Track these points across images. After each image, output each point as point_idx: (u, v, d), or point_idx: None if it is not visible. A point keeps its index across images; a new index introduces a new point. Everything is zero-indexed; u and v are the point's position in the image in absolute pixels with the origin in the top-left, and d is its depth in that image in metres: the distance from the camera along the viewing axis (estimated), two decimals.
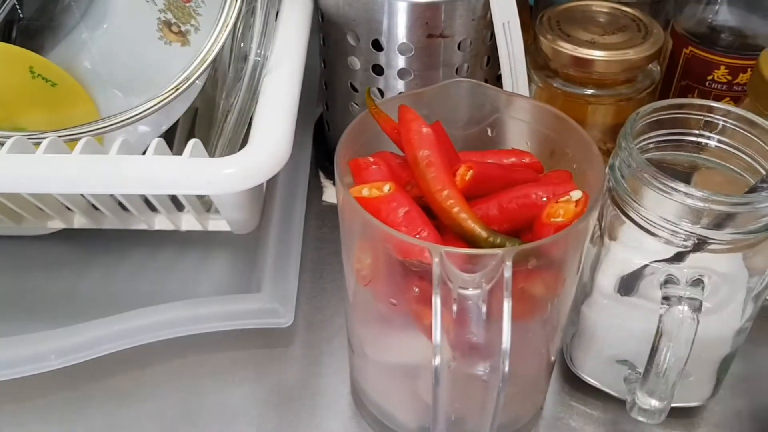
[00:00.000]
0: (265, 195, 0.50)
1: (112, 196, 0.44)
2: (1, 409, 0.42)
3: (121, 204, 0.45)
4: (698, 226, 0.33)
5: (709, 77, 0.51)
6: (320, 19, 0.50)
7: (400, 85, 0.49)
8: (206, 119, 0.50)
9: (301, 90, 0.43)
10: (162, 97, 0.42)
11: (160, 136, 0.47)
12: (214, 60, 0.43)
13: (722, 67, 0.50)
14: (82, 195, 0.43)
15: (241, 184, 0.38)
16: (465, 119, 0.39)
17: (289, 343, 0.45)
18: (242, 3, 0.44)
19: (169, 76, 0.43)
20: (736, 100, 0.51)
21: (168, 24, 0.46)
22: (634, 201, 0.34)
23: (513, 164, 0.37)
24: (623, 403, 0.38)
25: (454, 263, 0.29)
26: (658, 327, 0.33)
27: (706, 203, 0.32)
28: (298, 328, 0.46)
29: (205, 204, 0.46)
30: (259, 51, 0.44)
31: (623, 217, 0.35)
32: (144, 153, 0.39)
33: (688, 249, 0.34)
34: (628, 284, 0.36)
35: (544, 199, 0.33)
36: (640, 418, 0.36)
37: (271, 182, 0.51)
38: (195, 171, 0.37)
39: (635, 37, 0.47)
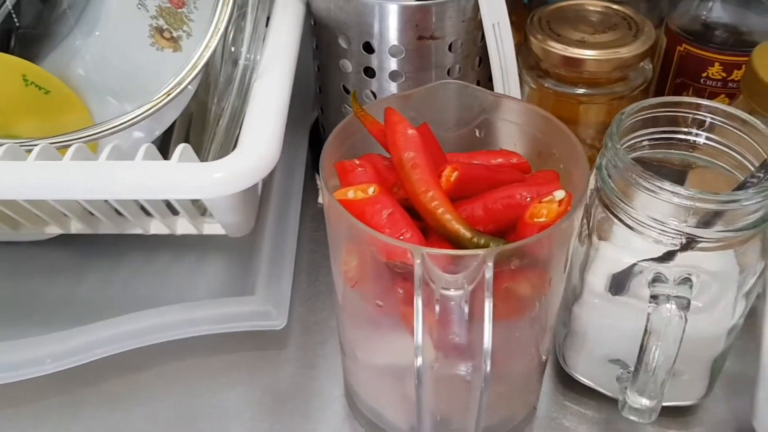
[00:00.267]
0: (260, 198, 0.50)
1: (106, 201, 0.44)
2: None
3: (116, 209, 0.45)
4: (686, 224, 0.33)
5: (704, 74, 0.51)
6: (312, 22, 0.50)
7: (392, 88, 0.49)
8: (200, 123, 0.51)
9: (292, 93, 0.43)
10: (154, 103, 0.42)
11: (155, 141, 0.48)
12: (206, 65, 0.43)
13: (716, 64, 0.50)
14: (76, 201, 0.43)
15: (231, 188, 0.38)
16: (453, 121, 0.39)
17: (283, 346, 0.46)
18: (233, 8, 0.44)
19: (162, 82, 0.43)
20: (731, 97, 0.51)
21: (160, 30, 0.46)
22: (622, 201, 0.34)
23: (499, 165, 0.37)
24: (617, 402, 0.38)
25: (436, 264, 0.29)
26: (646, 326, 0.33)
27: (692, 202, 0.32)
28: (293, 331, 0.46)
29: (199, 208, 0.47)
30: (248, 55, 0.44)
31: (611, 217, 0.35)
32: None
33: (676, 248, 0.34)
34: (618, 283, 0.36)
35: (528, 199, 0.33)
36: (632, 417, 0.36)
37: (267, 185, 0.51)
38: (183, 175, 0.38)
39: (626, 36, 0.47)
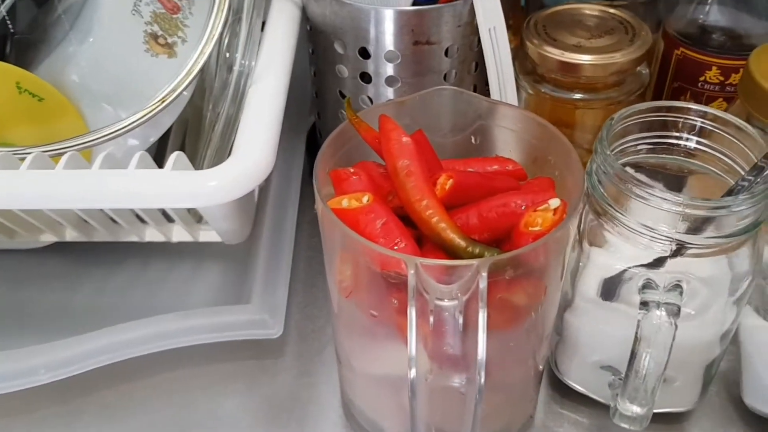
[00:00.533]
0: (257, 204, 0.50)
1: (100, 209, 0.44)
2: None
3: (111, 217, 0.45)
4: (676, 230, 0.33)
5: (701, 78, 0.51)
6: (308, 27, 0.50)
7: (388, 93, 0.49)
8: (195, 130, 0.50)
9: (289, 98, 0.43)
10: (148, 110, 0.42)
11: (150, 148, 0.48)
12: (201, 71, 0.43)
13: (714, 67, 0.50)
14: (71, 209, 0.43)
15: (225, 197, 0.38)
16: (448, 127, 0.39)
17: (279, 354, 0.45)
18: (228, 13, 0.44)
19: (157, 88, 0.43)
20: (729, 101, 0.51)
21: (155, 36, 0.46)
22: (612, 206, 0.34)
23: (494, 172, 0.37)
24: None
25: (430, 274, 0.29)
26: (636, 333, 0.33)
27: (682, 208, 0.32)
28: (289, 339, 0.46)
29: (194, 215, 0.46)
30: (243, 61, 0.44)
31: (601, 223, 0.35)
32: None
33: (667, 254, 0.33)
34: (609, 289, 0.36)
35: (523, 207, 0.32)
36: (623, 425, 0.36)
37: (263, 191, 0.51)
38: (177, 184, 0.37)
39: (622, 40, 0.47)
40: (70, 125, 0.45)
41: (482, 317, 0.28)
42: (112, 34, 0.46)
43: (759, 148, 0.35)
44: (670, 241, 0.33)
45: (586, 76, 0.46)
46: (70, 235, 0.48)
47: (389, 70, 0.48)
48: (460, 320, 0.30)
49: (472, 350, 0.28)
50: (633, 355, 0.33)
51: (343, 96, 0.50)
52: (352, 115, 0.36)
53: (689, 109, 0.37)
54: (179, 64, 0.44)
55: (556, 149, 0.35)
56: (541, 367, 0.38)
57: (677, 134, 0.37)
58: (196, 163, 0.47)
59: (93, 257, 0.51)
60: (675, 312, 0.32)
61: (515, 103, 0.49)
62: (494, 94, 0.48)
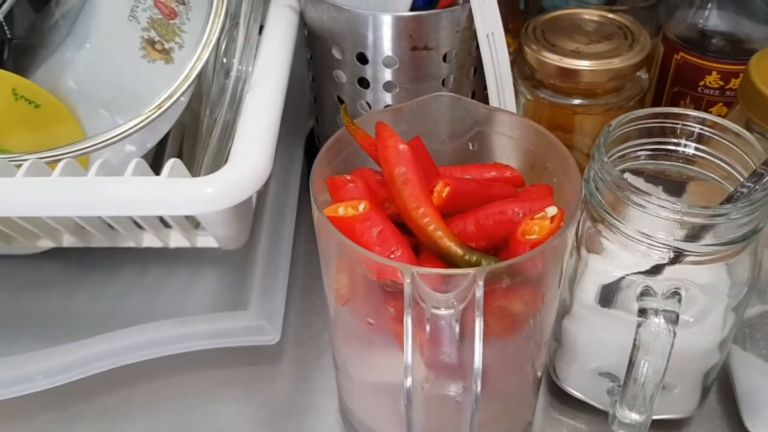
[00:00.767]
0: (255, 209, 0.50)
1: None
2: None
3: (108, 223, 0.45)
4: (674, 238, 0.32)
5: (701, 83, 0.50)
6: (306, 33, 0.50)
7: (387, 98, 0.49)
8: (193, 135, 0.50)
9: (287, 103, 0.43)
10: (145, 116, 0.42)
11: (147, 154, 0.47)
12: (198, 76, 0.43)
13: (714, 72, 0.50)
14: None
15: (222, 204, 0.38)
16: (446, 133, 0.39)
17: (277, 360, 0.45)
18: (226, 18, 0.44)
19: (154, 94, 0.43)
20: (729, 106, 0.50)
21: (151, 42, 0.46)
22: (609, 214, 0.34)
23: (492, 179, 0.37)
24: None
25: (427, 283, 0.29)
26: (634, 340, 0.33)
27: (680, 216, 0.32)
28: (287, 345, 0.46)
29: (192, 221, 0.46)
30: (240, 67, 0.44)
31: (599, 230, 0.35)
32: None
33: (665, 261, 0.33)
34: (607, 296, 0.36)
35: (521, 215, 0.32)
36: None
37: (261, 196, 0.51)
38: (174, 191, 0.37)
39: (621, 45, 0.47)
40: (66, 131, 0.45)
41: (479, 326, 0.28)
42: (109, 40, 0.46)
43: (757, 155, 0.34)
44: (668, 249, 0.33)
45: (585, 82, 0.46)
46: (68, 240, 0.48)
47: (387, 75, 0.48)
48: (457, 329, 0.29)
49: (469, 359, 0.28)
50: (631, 363, 0.33)
51: (341, 101, 0.50)
52: (349, 122, 0.36)
53: (688, 115, 0.36)
54: (176, 70, 0.44)
55: (554, 156, 0.35)
56: (539, 373, 0.38)
57: (676, 140, 0.37)
58: (194, 168, 0.47)
59: (90, 263, 0.51)
60: (674, 319, 0.32)
61: (513, 108, 0.49)
62: (492, 99, 0.48)
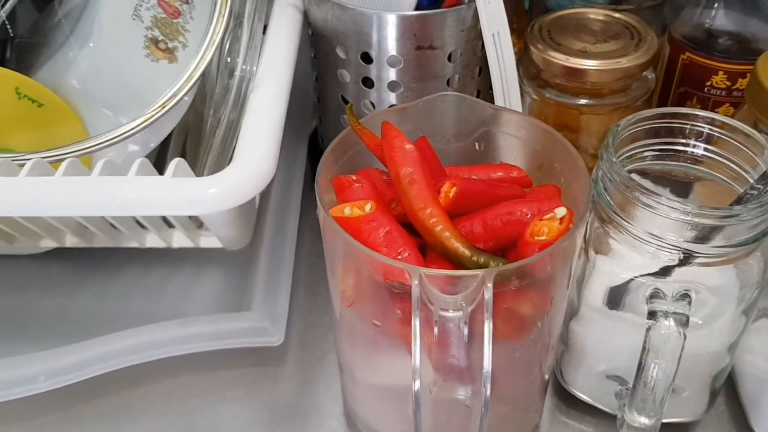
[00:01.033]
0: (258, 209, 0.49)
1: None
2: None
3: (111, 223, 0.45)
4: (683, 239, 0.32)
5: (708, 83, 0.50)
6: (310, 32, 0.50)
7: (391, 98, 0.48)
8: (196, 135, 0.50)
9: (291, 102, 0.43)
10: (149, 115, 0.42)
11: (151, 153, 0.47)
12: (202, 76, 0.42)
13: (720, 72, 0.49)
14: None
15: (225, 204, 0.37)
16: (452, 133, 0.39)
17: (281, 362, 0.45)
18: (230, 18, 0.44)
19: (157, 93, 0.43)
20: (736, 106, 0.50)
21: (155, 41, 0.46)
22: (618, 214, 0.33)
23: (499, 179, 0.36)
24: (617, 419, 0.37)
25: (435, 285, 0.28)
26: (644, 343, 0.33)
27: (690, 217, 0.31)
28: (291, 346, 0.46)
29: (195, 221, 0.46)
30: (244, 66, 0.44)
31: (607, 231, 0.35)
32: None
33: (674, 263, 0.33)
34: (615, 298, 0.35)
35: (529, 216, 0.32)
36: None
37: (264, 196, 0.51)
38: (177, 191, 0.37)
39: (628, 45, 0.46)
40: (70, 131, 0.44)
41: (488, 328, 0.28)
42: (113, 39, 0.45)
43: (767, 156, 0.34)
44: (678, 251, 0.32)
45: (591, 82, 0.46)
46: (71, 240, 0.47)
47: (392, 75, 0.47)
48: (465, 331, 0.29)
49: (478, 362, 0.28)
50: (641, 366, 0.33)
51: (345, 101, 0.50)
52: (355, 122, 0.35)
53: (696, 115, 0.36)
54: (180, 69, 0.43)
55: (562, 156, 0.35)
56: (546, 376, 0.37)
57: (684, 141, 0.37)
58: (197, 168, 0.46)
59: (93, 263, 0.50)
60: (684, 322, 0.32)
61: (519, 108, 0.49)
62: (498, 99, 0.48)
